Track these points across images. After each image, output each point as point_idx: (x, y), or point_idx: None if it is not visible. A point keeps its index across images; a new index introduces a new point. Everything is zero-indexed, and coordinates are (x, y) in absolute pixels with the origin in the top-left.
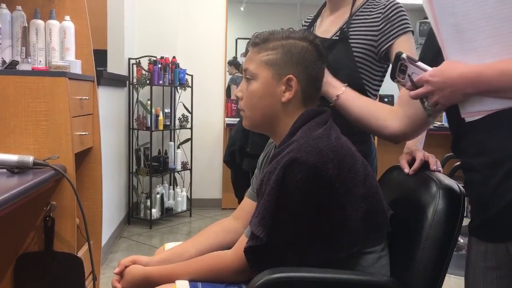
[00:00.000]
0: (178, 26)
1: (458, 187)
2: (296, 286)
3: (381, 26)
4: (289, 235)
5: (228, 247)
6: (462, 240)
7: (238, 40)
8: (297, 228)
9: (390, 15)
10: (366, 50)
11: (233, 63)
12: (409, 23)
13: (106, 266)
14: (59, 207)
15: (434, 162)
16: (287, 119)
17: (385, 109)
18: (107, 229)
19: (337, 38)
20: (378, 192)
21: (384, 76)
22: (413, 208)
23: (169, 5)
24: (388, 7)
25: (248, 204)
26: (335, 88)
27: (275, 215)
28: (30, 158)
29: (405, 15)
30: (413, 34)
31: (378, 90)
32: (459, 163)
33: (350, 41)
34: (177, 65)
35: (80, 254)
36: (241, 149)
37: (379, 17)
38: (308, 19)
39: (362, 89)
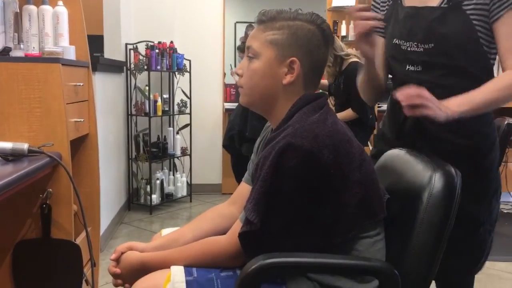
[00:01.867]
0: (175, 11)
1: (454, 170)
2: (290, 271)
3: None
4: (284, 221)
5: (224, 232)
6: None
7: (237, 24)
8: (292, 213)
9: None
10: (481, 22)
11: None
12: None
13: (107, 252)
14: (56, 194)
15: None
16: (285, 102)
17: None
18: (108, 215)
19: (446, 6)
20: (374, 177)
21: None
22: (408, 192)
23: None
24: None
25: (244, 189)
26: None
27: (269, 200)
28: (24, 146)
29: None
30: None
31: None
32: None
33: (464, 7)
34: (174, 50)
35: (78, 241)
36: (240, 133)
37: None
38: None
39: (490, 69)
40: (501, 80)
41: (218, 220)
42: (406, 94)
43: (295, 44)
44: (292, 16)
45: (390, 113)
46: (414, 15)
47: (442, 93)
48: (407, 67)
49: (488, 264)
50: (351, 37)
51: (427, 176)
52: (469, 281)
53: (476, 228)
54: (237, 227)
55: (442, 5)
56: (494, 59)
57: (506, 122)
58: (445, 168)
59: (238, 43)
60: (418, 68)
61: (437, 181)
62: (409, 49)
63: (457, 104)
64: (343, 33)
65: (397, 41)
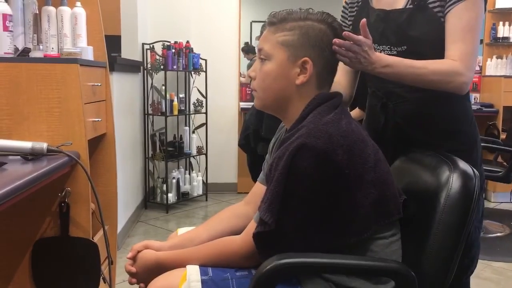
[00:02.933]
0: (191, 10)
1: (472, 170)
2: (304, 271)
3: None
4: (298, 221)
5: (239, 232)
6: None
7: (253, 23)
8: (306, 214)
9: None
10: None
11: (248, 50)
12: None
13: (124, 250)
14: (74, 193)
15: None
16: (299, 103)
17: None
18: (124, 213)
19: (412, 7)
20: (389, 177)
21: None
22: (426, 192)
23: None
24: None
25: (259, 189)
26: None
27: (284, 201)
28: (44, 145)
29: None
30: None
31: None
32: None
33: (430, 6)
34: (191, 50)
35: (96, 239)
36: (255, 132)
37: None
38: None
39: None
40: (437, 64)
41: (233, 220)
42: (340, 43)
43: (307, 44)
44: (303, 16)
45: (369, 118)
46: (384, 18)
47: (417, 94)
48: None
49: (505, 265)
50: None
51: (444, 177)
52: (465, 283)
53: None
54: (251, 227)
55: (407, 6)
56: None
57: None
58: (463, 168)
59: (255, 42)
60: None
61: (454, 181)
62: (382, 52)
63: (384, 64)
64: (505, 34)
65: None
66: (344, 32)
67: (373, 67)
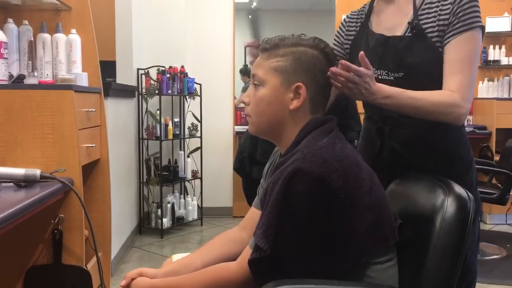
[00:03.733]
0: (186, 36)
1: (467, 193)
2: None
3: (449, 20)
4: (294, 247)
5: (235, 258)
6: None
7: (248, 48)
8: (302, 239)
9: (456, 7)
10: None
11: (245, 72)
12: (477, 17)
13: (118, 276)
14: (67, 219)
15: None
16: (294, 127)
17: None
18: (118, 239)
19: (411, 35)
20: (385, 201)
21: None
22: (421, 216)
23: (177, 15)
24: None
25: (254, 214)
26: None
27: (279, 226)
28: (37, 172)
29: (475, 6)
30: (482, 30)
31: None
32: None
33: (428, 35)
34: (185, 74)
35: (89, 266)
36: (250, 156)
37: (448, 8)
38: (353, 14)
39: None
40: (436, 95)
41: (228, 246)
42: (337, 72)
43: (300, 69)
44: (295, 42)
45: (365, 142)
46: (383, 43)
47: (413, 119)
48: None
49: None
50: (504, 61)
51: (439, 200)
52: None
53: None
54: (247, 253)
55: (406, 34)
56: None
57: None
58: (458, 192)
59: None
60: None
61: (449, 205)
62: (380, 77)
63: (385, 95)
64: (495, 57)
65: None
66: (342, 61)
67: (373, 97)
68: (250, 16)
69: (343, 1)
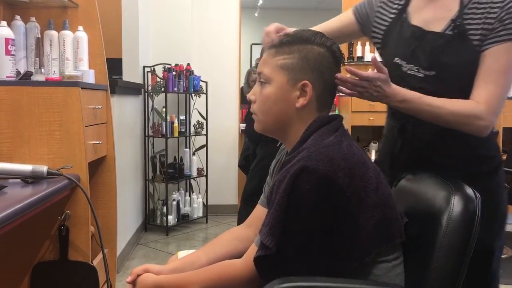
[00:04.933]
0: (192, 33)
1: (473, 192)
2: None
3: (493, 25)
4: (299, 245)
5: (240, 255)
6: None
7: (253, 46)
8: (308, 237)
9: (504, 13)
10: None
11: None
12: None
13: (123, 273)
14: (74, 216)
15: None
16: (300, 125)
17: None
18: (124, 236)
19: (451, 33)
20: (391, 200)
21: None
22: (427, 215)
23: (183, 12)
24: (508, 0)
25: (260, 212)
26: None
27: (285, 224)
28: (44, 168)
29: None
30: None
31: None
32: None
33: (470, 37)
34: (191, 72)
35: (95, 262)
36: (255, 153)
37: (496, 12)
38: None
39: None
40: (457, 105)
41: (234, 243)
42: (343, 79)
43: (306, 67)
44: (302, 39)
45: (386, 140)
46: (419, 37)
47: (435, 126)
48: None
49: None
50: (367, 57)
51: (445, 199)
52: None
53: (489, 257)
54: (252, 251)
55: (446, 32)
56: None
57: None
58: (464, 190)
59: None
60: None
61: (456, 204)
62: (409, 71)
63: (401, 99)
64: (359, 53)
65: (398, 61)
66: (347, 68)
67: (388, 100)
68: (256, 14)
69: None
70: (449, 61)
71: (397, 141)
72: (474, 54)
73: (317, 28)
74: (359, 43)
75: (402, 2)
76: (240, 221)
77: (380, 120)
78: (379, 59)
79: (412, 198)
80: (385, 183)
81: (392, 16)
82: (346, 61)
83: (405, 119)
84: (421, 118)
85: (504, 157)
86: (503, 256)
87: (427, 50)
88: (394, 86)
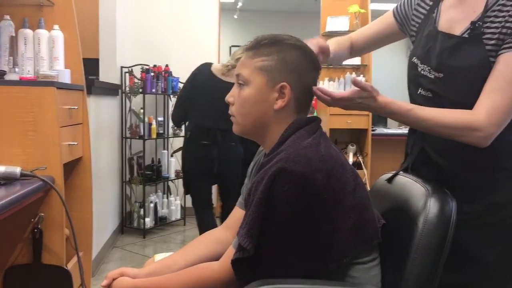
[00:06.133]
0: (171, 35)
1: (449, 195)
2: None
3: None
4: (277, 247)
5: (218, 257)
6: None
7: (232, 48)
8: (285, 239)
9: None
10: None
11: None
12: None
13: (98, 277)
14: (48, 218)
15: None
16: (278, 127)
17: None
18: (100, 239)
19: (466, 37)
20: (368, 202)
21: None
22: (404, 217)
23: (162, 14)
24: None
25: (238, 214)
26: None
27: (263, 226)
28: (17, 169)
29: None
30: None
31: None
32: None
33: (485, 41)
34: (170, 73)
35: (70, 266)
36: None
37: None
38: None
39: None
40: (451, 117)
41: (211, 246)
42: (321, 97)
43: (285, 69)
44: (280, 42)
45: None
46: (433, 37)
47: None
48: (419, 90)
49: None
50: (348, 61)
51: (422, 201)
52: None
53: (491, 276)
54: (230, 253)
55: (463, 35)
56: None
57: None
58: (440, 193)
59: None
60: (428, 94)
61: (432, 206)
62: (422, 72)
63: (388, 111)
64: None
65: (415, 60)
66: (318, 89)
67: (375, 112)
68: (235, 16)
69: (328, 3)
70: (455, 65)
71: (409, 140)
72: (486, 61)
73: (356, 33)
74: None
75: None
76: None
77: (358, 123)
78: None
79: (389, 200)
80: (362, 185)
81: (425, 12)
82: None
83: None
84: (415, 128)
85: None
86: None
87: (437, 50)
88: (382, 99)
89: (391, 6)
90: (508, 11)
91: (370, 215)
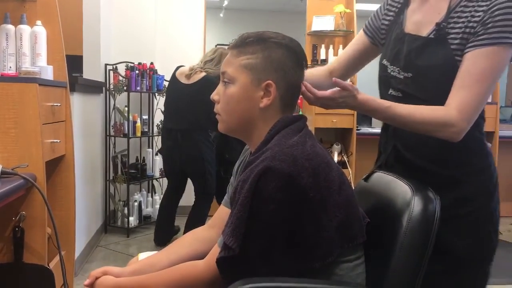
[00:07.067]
0: (156, 32)
1: (433, 193)
2: None
3: (476, 29)
4: (262, 246)
5: (203, 256)
6: None
7: (218, 47)
8: (271, 238)
9: (487, 17)
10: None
11: None
12: (507, 32)
13: (81, 276)
14: (29, 217)
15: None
16: (264, 125)
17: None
18: (83, 238)
19: (432, 36)
20: (354, 200)
21: None
22: (388, 215)
23: (147, 11)
24: (494, 4)
25: (223, 212)
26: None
27: (248, 225)
28: None
29: (509, 20)
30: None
31: None
32: None
33: (450, 41)
34: (155, 71)
35: (52, 265)
36: (220, 155)
37: (479, 16)
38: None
39: None
40: (428, 113)
41: (196, 244)
42: (305, 95)
43: (270, 67)
44: (265, 40)
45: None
46: (400, 39)
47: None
48: (390, 91)
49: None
50: (331, 59)
51: (406, 199)
52: None
53: (466, 268)
54: (215, 252)
55: (430, 36)
56: None
57: None
58: (424, 191)
59: None
60: (398, 94)
61: (416, 204)
62: (392, 73)
63: (368, 109)
64: (323, 56)
65: (385, 62)
66: (304, 85)
67: (355, 109)
68: (221, 15)
69: (314, 2)
70: (422, 64)
71: (382, 139)
72: (451, 60)
73: (334, 61)
74: (322, 45)
75: (400, 6)
76: None
77: (343, 122)
78: None
79: (374, 198)
80: (348, 184)
81: (392, 19)
82: (310, 64)
83: None
84: (394, 125)
85: None
86: None
87: (405, 52)
88: (361, 97)
89: (376, 7)
90: (470, 11)
91: (355, 213)
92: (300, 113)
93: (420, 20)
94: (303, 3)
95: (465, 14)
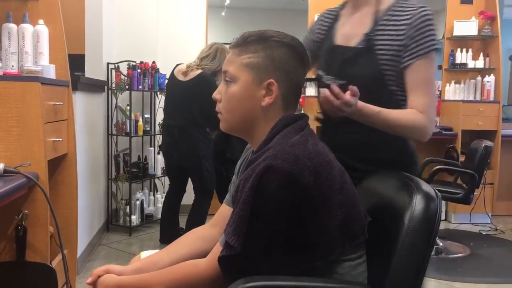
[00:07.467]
0: (158, 31)
1: (435, 192)
2: None
3: (404, 42)
4: (264, 244)
5: (204, 255)
6: (441, 244)
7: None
8: (272, 236)
9: (413, 31)
10: (391, 66)
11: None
12: (434, 40)
13: (84, 275)
14: (32, 215)
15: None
16: (265, 124)
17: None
18: (85, 236)
19: (361, 47)
20: (355, 199)
21: None
22: (390, 214)
23: (149, 10)
24: (415, 18)
25: (225, 211)
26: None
27: (250, 223)
28: (0, 166)
29: (431, 30)
30: (437, 51)
31: None
32: (438, 167)
33: (377, 51)
34: (156, 70)
35: (54, 263)
36: (221, 154)
37: (403, 29)
38: (329, 12)
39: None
40: (409, 118)
41: (198, 243)
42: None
43: (272, 66)
44: (267, 38)
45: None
46: (331, 51)
47: (351, 127)
48: None
49: (466, 286)
50: (471, 64)
51: (407, 198)
52: None
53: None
54: (217, 250)
55: (359, 46)
56: (404, 100)
57: (483, 145)
58: (426, 190)
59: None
60: None
61: (417, 202)
62: (327, 81)
63: (362, 115)
64: (462, 60)
65: (320, 72)
66: (333, 87)
67: (353, 115)
68: (223, 14)
69: (316, 1)
70: (354, 72)
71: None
72: (378, 68)
73: None
74: (461, 49)
75: (331, 22)
76: None
77: None
78: None
79: (375, 197)
80: (350, 182)
81: (326, 30)
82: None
83: (323, 122)
84: (378, 128)
85: (463, 159)
86: (460, 255)
87: (338, 62)
88: (361, 103)
89: None
90: (393, 25)
91: (357, 212)
92: (302, 112)
93: (349, 32)
94: (305, 2)
95: (388, 27)
